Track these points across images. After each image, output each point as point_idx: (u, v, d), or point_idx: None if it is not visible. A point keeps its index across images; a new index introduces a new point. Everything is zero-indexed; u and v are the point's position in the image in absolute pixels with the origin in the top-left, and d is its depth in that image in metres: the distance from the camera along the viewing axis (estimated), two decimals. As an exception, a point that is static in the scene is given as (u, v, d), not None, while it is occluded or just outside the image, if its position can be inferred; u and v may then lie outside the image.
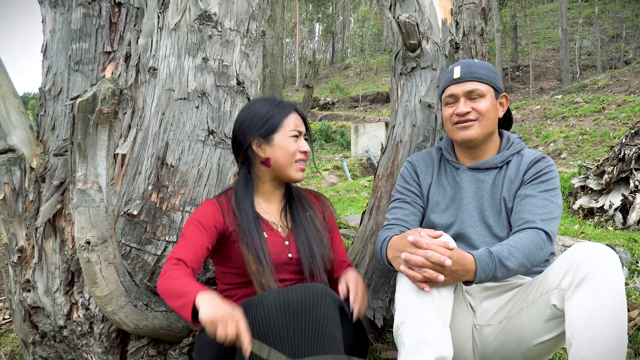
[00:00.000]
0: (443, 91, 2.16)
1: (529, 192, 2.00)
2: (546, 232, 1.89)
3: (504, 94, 2.15)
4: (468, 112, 2.06)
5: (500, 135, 2.20)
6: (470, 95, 2.06)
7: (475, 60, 2.13)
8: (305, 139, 2.03)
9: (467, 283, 1.81)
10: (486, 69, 2.10)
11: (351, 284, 1.94)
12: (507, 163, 2.11)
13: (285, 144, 1.97)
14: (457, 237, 2.07)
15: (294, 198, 2.10)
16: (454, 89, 2.10)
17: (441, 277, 1.70)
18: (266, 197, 2.06)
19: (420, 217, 2.18)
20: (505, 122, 2.28)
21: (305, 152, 2.00)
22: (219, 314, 1.49)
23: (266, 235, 1.95)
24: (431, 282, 1.73)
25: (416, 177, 2.23)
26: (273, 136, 1.96)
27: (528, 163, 2.06)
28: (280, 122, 1.97)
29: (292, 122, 1.99)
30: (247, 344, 1.49)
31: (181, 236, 1.84)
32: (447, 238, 1.79)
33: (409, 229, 2.04)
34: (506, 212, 2.04)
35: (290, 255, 1.97)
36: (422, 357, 1.66)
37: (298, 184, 2.22)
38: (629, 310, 2.71)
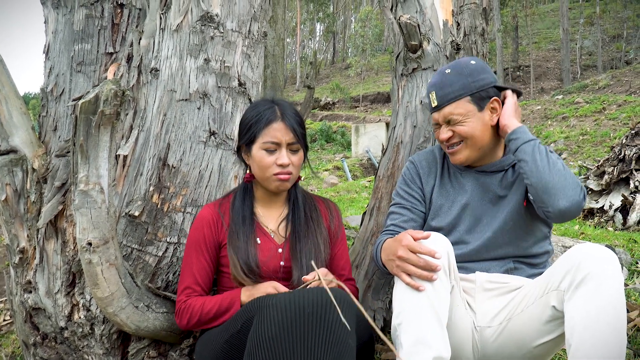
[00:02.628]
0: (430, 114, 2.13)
1: None
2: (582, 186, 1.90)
3: (494, 97, 2.02)
4: (451, 137, 2.03)
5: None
6: (449, 120, 2.01)
7: (447, 71, 2.01)
8: (295, 149, 1.94)
9: (510, 141, 1.95)
10: (457, 79, 1.99)
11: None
12: (514, 166, 2.08)
13: (259, 157, 1.91)
14: (460, 241, 2.07)
15: (297, 206, 2.06)
16: (435, 116, 2.06)
17: (435, 276, 1.72)
18: (264, 203, 2.05)
19: (420, 222, 2.16)
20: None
21: (282, 165, 1.90)
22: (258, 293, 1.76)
23: (259, 241, 1.95)
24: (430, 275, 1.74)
25: (419, 180, 2.20)
26: (252, 146, 1.94)
27: None
28: (258, 133, 1.91)
29: (271, 133, 1.90)
30: None
31: (183, 263, 1.97)
32: (436, 245, 1.78)
33: None
34: (519, 215, 2.03)
35: (282, 263, 1.95)
36: (420, 357, 1.67)
37: (309, 188, 2.22)
38: (628, 311, 2.71)
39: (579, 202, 1.84)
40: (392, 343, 1.87)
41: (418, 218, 2.16)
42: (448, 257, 1.78)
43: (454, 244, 2.01)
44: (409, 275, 1.75)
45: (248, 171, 2.02)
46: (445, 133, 2.03)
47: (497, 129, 2.06)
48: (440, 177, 2.18)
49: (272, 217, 2.05)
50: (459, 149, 2.03)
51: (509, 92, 2.04)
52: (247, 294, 1.84)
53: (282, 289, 1.77)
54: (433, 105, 2.04)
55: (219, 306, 1.84)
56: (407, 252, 1.75)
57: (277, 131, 1.90)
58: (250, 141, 1.94)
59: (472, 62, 2.04)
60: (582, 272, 1.65)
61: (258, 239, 1.95)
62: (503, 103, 2.05)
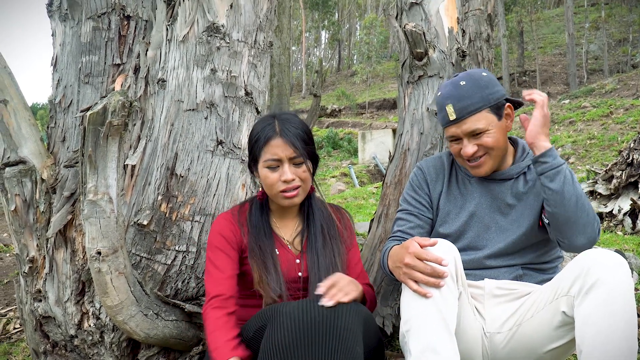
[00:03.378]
0: (443, 128, 2.06)
1: None
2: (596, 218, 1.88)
3: (507, 104, 2.01)
4: (476, 152, 1.98)
5: (515, 144, 2.14)
6: (472, 134, 1.97)
7: (462, 83, 1.97)
8: (298, 163, 1.90)
9: (536, 163, 1.88)
10: (475, 92, 1.95)
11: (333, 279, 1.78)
12: (524, 173, 2.07)
13: (264, 176, 1.90)
14: (468, 248, 2.07)
15: (313, 219, 2.03)
16: (454, 131, 1.99)
17: (442, 282, 1.71)
18: (279, 215, 2.04)
19: (427, 228, 2.15)
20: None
21: (286, 181, 1.87)
22: None
23: (278, 252, 1.95)
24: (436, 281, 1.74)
25: (426, 186, 2.18)
26: (257, 165, 1.93)
27: None
28: (259, 152, 1.90)
29: (271, 150, 1.87)
30: None
31: (210, 265, 1.90)
32: (442, 251, 1.77)
33: None
34: (532, 232, 2.02)
35: (300, 274, 1.96)
36: None
37: (326, 196, 2.20)
38: (638, 316, 2.70)
39: (595, 239, 1.86)
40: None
41: (425, 224, 2.15)
42: (455, 264, 1.78)
43: (461, 251, 2.01)
44: (416, 282, 1.75)
45: (260, 189, 2.02)
46: (470, 148, 1.97)
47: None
48: (448, 184, 2.17)
49: (287, 229, 2.04)
50: (483, 161, 2.00)
51: (539, 101, 1.90)
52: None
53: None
54: (451, 118, 1.97)
55: (211, 342, 1.78)
56: (413, 259, 1.75)
57: (277, 147, 1.87)
58: (255, 160, 1.94)
59: (484, 73, 2.01)
60: (592, 278, 1.65)
61: (277, 250, 1.96)
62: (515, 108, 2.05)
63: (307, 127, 1.97)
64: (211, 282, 1.88)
